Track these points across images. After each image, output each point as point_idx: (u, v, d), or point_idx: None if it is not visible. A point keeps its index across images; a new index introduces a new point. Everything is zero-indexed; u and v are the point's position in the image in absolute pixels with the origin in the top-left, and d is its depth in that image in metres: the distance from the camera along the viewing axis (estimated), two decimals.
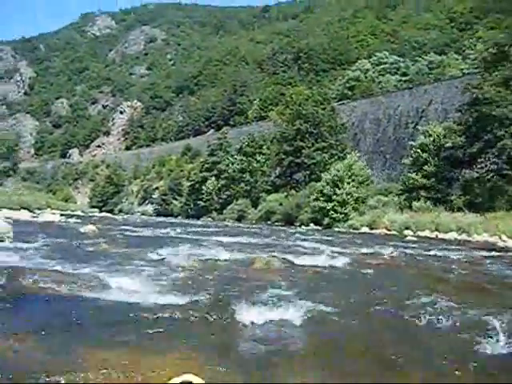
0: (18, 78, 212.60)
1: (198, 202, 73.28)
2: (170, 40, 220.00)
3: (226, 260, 12.66)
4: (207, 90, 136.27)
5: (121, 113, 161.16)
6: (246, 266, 11.42)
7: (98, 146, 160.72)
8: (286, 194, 53.53)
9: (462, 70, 63.18)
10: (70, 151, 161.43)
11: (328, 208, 40.60)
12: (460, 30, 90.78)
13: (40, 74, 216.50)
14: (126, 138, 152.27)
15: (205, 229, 32.65)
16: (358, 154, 45.78)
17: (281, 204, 51.97)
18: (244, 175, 65.45)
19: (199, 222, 53.14)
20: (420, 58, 77.08)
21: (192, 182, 78.19)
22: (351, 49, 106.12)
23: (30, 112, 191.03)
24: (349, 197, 40.49)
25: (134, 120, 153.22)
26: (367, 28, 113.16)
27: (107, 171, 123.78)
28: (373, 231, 35.10)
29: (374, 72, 79.98)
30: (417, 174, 39.38)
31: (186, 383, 3.93)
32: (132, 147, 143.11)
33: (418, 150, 39.87)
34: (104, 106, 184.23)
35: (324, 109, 56.80)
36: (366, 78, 77.72)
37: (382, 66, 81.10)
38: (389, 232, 33.48)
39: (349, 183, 41.07)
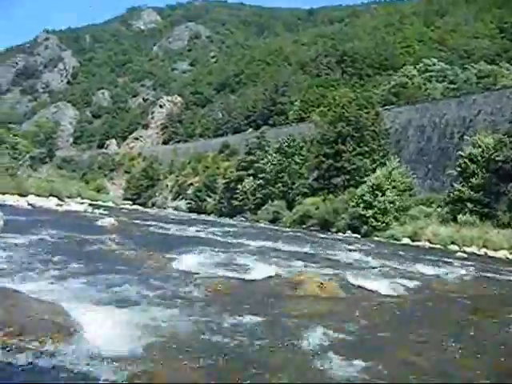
0: (62, 67, 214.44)
1: (232, 201, 71.93)
2: (214, 37, 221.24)
3: (262, 278, 10.69)
4: (248, 88, 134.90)
5: (160, 107, 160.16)
6: (291, 289, 9.26)
7: (136, 139, 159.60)
8: (323, 198, 51.88)
9: None
10: (108, 142, 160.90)
11: (368, 215, 38.88)
12: (511, 40, 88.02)
13: (83, 64, 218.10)
14: (164, 132, 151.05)
15: (238, 229, 31.33)
16: (397, 160, 43.82)
17: (317, 208, 50.28)
18: (281, 176, 63.89)
19: (232, 222, 51.87)
20: (469, 67, 74.75)
21: (227, 180, 76.89)
22: (397, 54, 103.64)
23: (71, 101, 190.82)
24: (391, 205, 38.73)
25: (173, 115, 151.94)
26: (414, 34, 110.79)
27: (143, 164, 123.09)
28: (415, 243, 33.39)
29: (420, 79, 77.66)
30: (463, 186, 37.51)
31: None
32: (169, 142, 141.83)
33: (466, 161, 37.96)
34: (144, 100, 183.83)
35: (368, 113, 55.04)
36: (412, 84, 75.49)
37: (428, 73, 78.77)
38: (432, 245, 31.73)
39: (391, 191, 39.25)
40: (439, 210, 39.45)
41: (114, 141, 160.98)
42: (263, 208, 63.05)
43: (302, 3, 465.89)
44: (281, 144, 67.44)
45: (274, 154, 67.38)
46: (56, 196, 42.90)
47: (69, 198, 48.64)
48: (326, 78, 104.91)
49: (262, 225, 50.81)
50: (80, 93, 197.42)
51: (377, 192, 39.31)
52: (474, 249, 29.12)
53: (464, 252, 27.27)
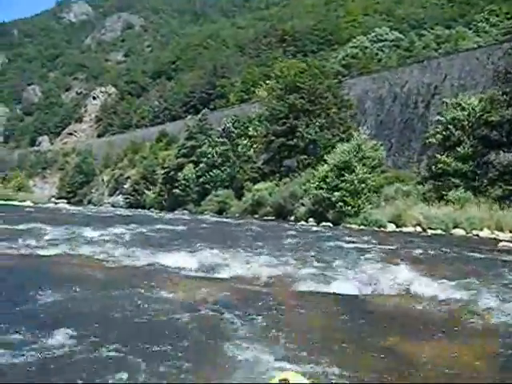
0: None
1: (174, 191, 64.63)
2: (148, 27, 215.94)
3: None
4: (185, 74, 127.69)
5: (94, 98, 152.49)
6: None
7: (70, 134, 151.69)
8: (276, 182, 45.12)
9: (477, 43, 55.26)
10: (40, 139, 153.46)
11: (335, 199, 31.93)
12: (464, 4, 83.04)
13: (12, 60, 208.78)
14: (99, 125, 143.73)
15: (173, 226, 24.26)
16: (369, 131, 36.85)
17: (271, 194, 43.46)
18: (226, 160, 56.91)
19: (169, 216, 44.13)
20: (426, 32, 69.15)
21: (166, 170, 69.41)
22: (342, 28, 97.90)
23: (0, 99, 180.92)
24: (363, 185, 31.81)
25: (107, 106, 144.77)
26: (358, 9, 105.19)
27: (77, 160, 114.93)
28: (403, 229, 26.83)
29: (373, 49, 71.65)
30: (448, 157, 31.11)
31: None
32: (105, 134, 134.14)
33: (450, 127, 31.48)
34: (78, 93, 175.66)
35: (321, 83, 48.28)
36: (364, 54, 69.43)
37: (382, 43, 72.89)
38: (431, 230, 25.30)
39: (361, 168, 32.31)
40: (419, 187, 33.00)
41: (46, 137, 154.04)
42: (207, 198, 56.20)
43: None
44: (224, 126, 60.53)
45: (218, 138, 60.40)
46: None
47: None
48: (266, 57, 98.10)
49: (207, 217, 43.70)
50: (9, 90, 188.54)
51: (344, 170, 32.36)
52: (485, 233, 22.90)
53: (481, 238, 20.93)
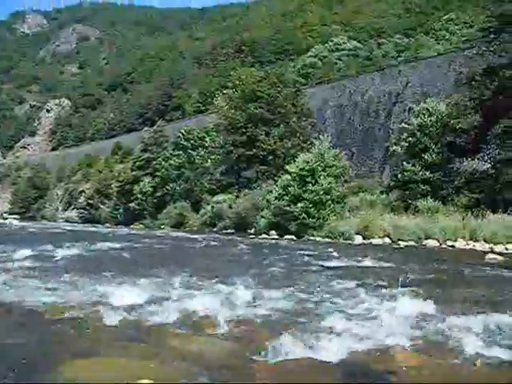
0: None
1: (130, 206, 62.45)
2: (103, 39, 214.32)
3: None
4: (142, 86, 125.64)
5: (47, 111, 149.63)
6: None
7: (23, 148, 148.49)
8: (235, 194, 43.37)
9: (437, 50, 54.78)
10: None
11: (297, 210, 30.24)
12: (421, 14, 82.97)
13: None
14: (53, 139, 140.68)
15: (122, 244, 22.11)
16: (331, 139, 35.32)
17: (230, 206, 41.66)
18: (182, 173, 55.01)
19: (123, 231, 41.79)
20: (385, 41, 68.51)
21: (122, 183, 67.10)
22: (300, 38, 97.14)
23: None
24: (327, 196, 30.17)
25: (61, 119, 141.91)
26: (315, 19, 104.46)
27: (30, 174, 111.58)
28: (371, 241, 25.29)
29: (331, 58, 70.72)
30: (413, 165, 29.81)
31: None
32: (59, 148, 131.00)
33: (418, 133, 30.19)
34: (31, 106, 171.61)
35: (280, 92, 46.76)
36: (323, 64, 68.42)
37: (340, 52, 72.05)
38: (404, 242, 23.86)
39: (325, 177, 30.64)
40: (383, 196, 31.63)
41: None
42: (164, 211, 54.19)
43: (193, 3, 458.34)
44: (177, 138, 58.78)
45: (172, 151, 58.57)
46: None
47: None
48: (224, 68, 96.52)
49: (164, 231, 41.72)
50: None
51: (307, 180, 30.70)
52: (461, 243, 21.52)
53: (465, 249, 19.51)
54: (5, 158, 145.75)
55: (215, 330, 6.53)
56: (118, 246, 21.02)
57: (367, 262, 15.01)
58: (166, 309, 7.48)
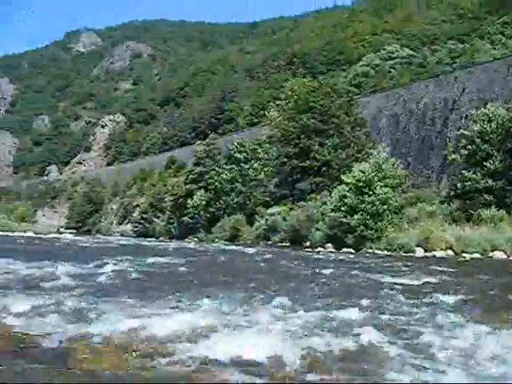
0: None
1: (183, 220, 62.40)
2: (156, 55, 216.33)
3: None
4: (194, 100, 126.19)
5: (102, 127, 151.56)
6: None
7: (79, 163, 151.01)
8: (290, 206, 42.72)
9: (494, 55, 53.26)
10: (48, 168, 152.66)
11: (354, 222, 29.47)
12: (474, 19, 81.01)
13: (22, 91, 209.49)
14: (108, 154, 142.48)
15: (175, 259, 21.45)
16: (388, 149, 34.31)
17: (284, 219, 41.02)
18: (235, 186, 54.65)
19: (176, 244, 41.38)
20: (439, 47, 67.07)
21: (175, 197, 67.18)
22: (351, 48, 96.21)
23: (10, 130, 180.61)
24: (384, 206, 29.35)
25: (116, 134, 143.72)
26: (366, 29, 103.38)
27: (86, 188, 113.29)
28: (434, 254, 24.31)
29: (384, 66, 69.55)
30: (474, 174, 28.72)
31: None
32: (114, 163, 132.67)
33: (477, 140, 29.10)
34: (87, 122, 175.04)
35: (333, 102, 46.04)
36: (376, 72, 67.35)
37: (393, 61, 70.77)
38: (468, 255, 22.81)
39: (382, 187, 29.79)
40: (443, 206, 30.56)
41: (54, 167, 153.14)
42: (218, 225, 53.86)
43: (243, 18, 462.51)
44: (230, 151, 58.54)
45: (225, 164, 58.29)
46: None
47: None
48: (275, 80, 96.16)
49: (218, 245, 41.26)
50: (19, 120, 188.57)
51: (363, 190, 29.91)
52: None
53: None
54: (61, 174, 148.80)
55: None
56: (171, 260, 20.56)
57: (438, 278, 14.07)
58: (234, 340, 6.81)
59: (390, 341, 6.96)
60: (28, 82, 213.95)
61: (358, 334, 7.20)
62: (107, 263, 17.36)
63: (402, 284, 13.15)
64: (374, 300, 10.39)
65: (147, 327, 7.47)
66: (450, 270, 16.51)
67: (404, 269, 17.00)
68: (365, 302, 10.00)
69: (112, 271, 15.31)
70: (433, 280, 13.98)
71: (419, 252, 25.04)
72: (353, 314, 8.76)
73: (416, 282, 13.69)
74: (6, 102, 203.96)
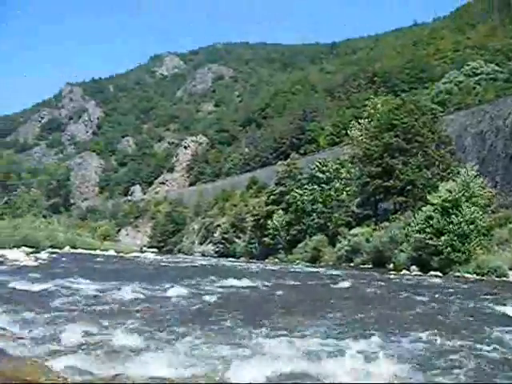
0: (86, 118, 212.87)
1: (264, 240, 62.17)
2: (237, 77, 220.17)
3: None
4: (275, 121, 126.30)
5: (185, 148, 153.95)
6: None
7: (162, 183, 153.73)
8: (373, 227, 41.82)
9: None
10: (132, 188, 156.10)
11: (441, 244, 28.39)
12: None
13: (108, 113, 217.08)
14: (190, 174, 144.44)
15: (254, 282, 20.70)
16: (475, 168, 32.91)
17: (367, 240, 40.15)
18: (316, 206, 54.02)
19: (256, 266, 40.43)
20: None
21: (256, 217, 67.09)
22: (433, 65, 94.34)
23: (96, 151, 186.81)
24: (471, 227, 28.15)
25: (198, 155, 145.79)
26: (448, 45, 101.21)
27: (168, 208, 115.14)
28: None
29: (469, 83, 67.57)
30: None
31: None
32: (196, 183, 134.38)
33: None
34: (170, 143, 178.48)
35: (417, 120, 44.92)
36: (459, 89, 65.50)
37: (478, 77, 68.70)
38: None
39: (469, 207, 28.63)
40: None
41: (138, 187, 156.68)
42: (299, 246, 53.31)
43: (323, 39, 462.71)
44: (312, 171, 58.00)
45: (307, 185, 57.75)
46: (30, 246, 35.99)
47: (52, 247, 43.46)
48: (357, 99, 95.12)
49: (299, 266, 40.61)
50: (105, 142, 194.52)
51: (450, 211, 28.80)
52: None
53: None
54: (145, 194, 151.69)
55: None
56: (251, 283, 20.00)
57: None
58: None
59: None
60: (113, 105, 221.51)
61: None
62: (185, 285, 17.12)
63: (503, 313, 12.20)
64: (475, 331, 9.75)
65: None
66: None
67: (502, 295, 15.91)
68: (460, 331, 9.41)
69: (188, 296, 15.04)
70: None
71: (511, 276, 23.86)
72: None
73: None
74: (93, 125, 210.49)
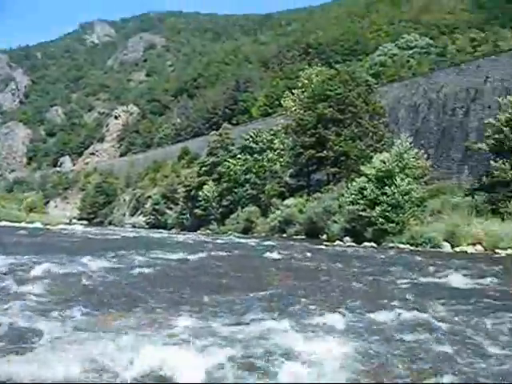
0: (14, 87, 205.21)
1: (195, 211, 61.21)
2: (170, 46, 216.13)
3: None
4: (208, 91, 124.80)
5: (116, 118, 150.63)
6: None
7: (92, 154, 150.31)
8: (306, 198, 41.36)
9: None
10: (61, 159, 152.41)
11: (375, 215, 28.07)
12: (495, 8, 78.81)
13: (36, 82, 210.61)
14: (121, 145, 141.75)
15: (180, 255, 19.59)
16: (409, 139, 32.58)
17: (301, 211, 39.70)
18: (249, 177, 53.30)
19: (187, 237, 39.50)
20: (459, 36, 65.34)
21: (187, 188, 66.00)
22: (367, 38, 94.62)
23: (24, 120, 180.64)
24: (406, 197, 27.89)
25: (129, 125, 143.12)
26: (383, 18, 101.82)
27: (99, 180, 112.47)
28: (463, 249, 22.86)
29: (403, 56, 67.87)
30: (504, 164, 27.23)
31: None
32: (127, 154, 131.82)
33: (505, 129, 27.59)
34: (100, 113, 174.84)
35: (351, 90, 44.54)
36: (393, 62, 65.67)
37: (412, 50, 69.08)
38: (500, 251, 21.34)
39: (403, 179, 28.31)
40: (467, 199, 29.04)
41: (68, 158, 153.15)
42: (231, 217, 52.63)
43: (258, 9, 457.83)
44: (245, 141, 57.17)
45: (239, 155, 56.94)
46: None
47: None
48: (291, 70, 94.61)
49: (231, 237, 39.83)
50: (33, 111, 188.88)
51: (385, 181, 28.46)
52: None
53: None
54: (75, 165, 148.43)
55: None
56: (180, 256, 18.95)
57: (488, 280, 12.56)
58: None
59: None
60: (42, 73, 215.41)
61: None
62: (109, 256, 16.04)
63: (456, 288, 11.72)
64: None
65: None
66: (496, 268, 15.13)
67: (439, 267, 15.48)
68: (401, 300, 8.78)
69: (105, 267, 13.97)
70: (483, 281, 12.49)
71: (446, 247, 23.66)
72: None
73: (466, 284, 12.24)
74: (20, 93, 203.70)
